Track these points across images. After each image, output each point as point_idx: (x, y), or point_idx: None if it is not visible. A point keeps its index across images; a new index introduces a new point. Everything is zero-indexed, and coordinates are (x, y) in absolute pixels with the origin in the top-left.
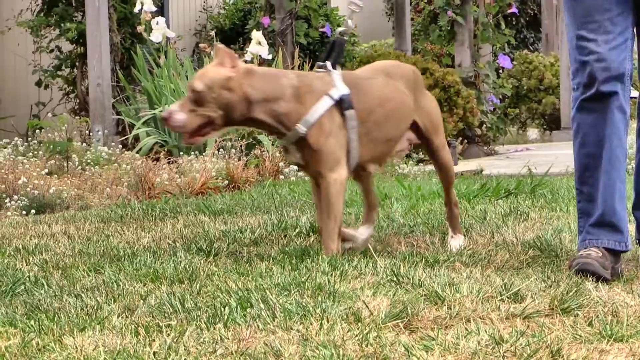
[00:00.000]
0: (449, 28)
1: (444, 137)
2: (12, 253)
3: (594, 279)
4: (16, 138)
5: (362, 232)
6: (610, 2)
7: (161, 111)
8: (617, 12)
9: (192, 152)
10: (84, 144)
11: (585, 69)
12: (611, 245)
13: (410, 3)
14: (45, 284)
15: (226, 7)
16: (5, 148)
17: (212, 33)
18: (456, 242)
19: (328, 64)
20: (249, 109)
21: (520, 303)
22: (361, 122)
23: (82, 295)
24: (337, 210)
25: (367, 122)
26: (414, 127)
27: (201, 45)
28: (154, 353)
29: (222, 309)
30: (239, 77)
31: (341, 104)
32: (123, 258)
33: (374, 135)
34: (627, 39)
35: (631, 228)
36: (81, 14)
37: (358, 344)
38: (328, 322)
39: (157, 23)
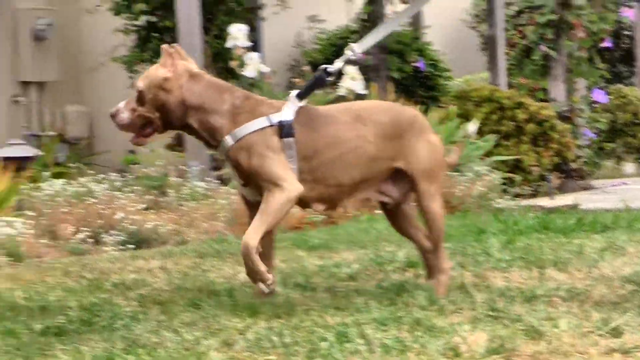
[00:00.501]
0: (542, 62)
1: (438, 187)
2: (110, 288)
3: None
4: (113, 174)
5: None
6: None
7: None
8: None
9: None
10: (180, 179)
11: None
12: None
13: (504, 38)
14: (143, 318)
15: (319, 42)
16: (101, 183)
17: (306, 68)
18: None
19: (292, 93)
20: (184, 114)
21: (618, 338)
22: (304, 159)
23: (180, 330)
24: (272, 210)
25: (313, 160)
26: (401, 173)
27: (295, 80)
28: None
29: (320, 344)
30: (177, 78)
31: (281, 130)
32: (221, 293)
33: (319, 175)
34: None
35: None
36: None
37: None
38: (426, 356)
39: (251, 58)
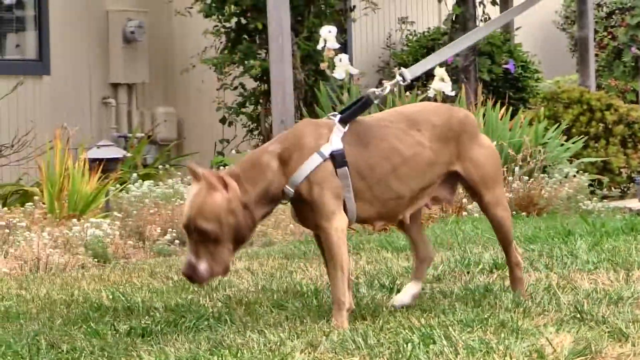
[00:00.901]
0: (633, 64)
1: (501, 191)
2: (196, 289)
3: None
4: None
5: (409, 289)
6: None
7: None
8: None
9: None
10: None
11: None
12: None
13: (595, 39)
14: (228, 319)
15: (409, 44)
16: (190, 185)
17: (395, 70)
18: None
19: (335, 117)
20: (252, 215)
21: None
22: (361, 178)
23: (265, 331)
24: (340, 259)
25: (369, 178)
26: (457, 178)
27: (384, 82)
28: None
29: (405, 345)
30: (235, 192)
31: (334, 160)
32: (306, 294)
33: (377, 192)
34: None
35: None
36: (265, 51)
37: None
38: (511, 358)
39: (341, 60)
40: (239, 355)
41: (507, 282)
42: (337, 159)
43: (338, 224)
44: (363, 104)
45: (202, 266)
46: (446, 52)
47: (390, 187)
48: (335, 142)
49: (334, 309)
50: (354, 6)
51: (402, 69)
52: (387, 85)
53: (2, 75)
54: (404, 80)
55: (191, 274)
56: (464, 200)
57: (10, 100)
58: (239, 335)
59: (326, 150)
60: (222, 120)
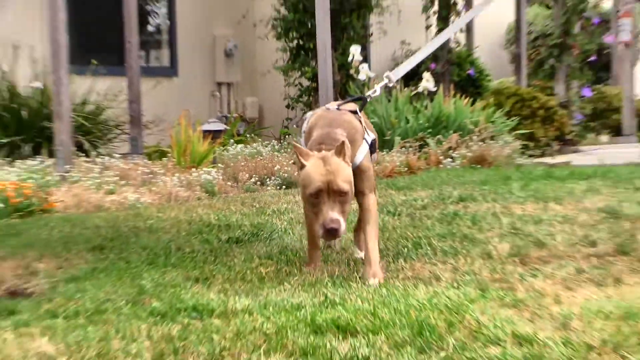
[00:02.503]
0: (550, 70)
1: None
2: (270, 213)
3: None
4: (273, 141)
5: (360, 253)
6: None
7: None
8: None
9: (384, 150)
10: None
11: None
12: None
13: (525, 54)
14: (290, 233)
15: (407, 57)
16: (266, 147)
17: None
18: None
19: (357, 110)
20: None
21: (594, 247)
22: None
23: None
24: (377, 217)
25: None
26: None
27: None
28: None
29: (403, 249)
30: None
31: (370, 147)
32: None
33: None
34: None
35: None
36: (314, 62)
37: (489, 272)
38: (470, 259)
39: (363, 68)
40: (297, 255)
41: (469, 209)
42: (372, 146)
43: (376, 197)
44: (363, 102)
45: (343, 225)
46: (416, 58)
47: None
48: (369, 133)
49: (372, 259)
50: (372, 32)
51: (388, 72)
52: (377, 87)
53: (148, 77)
54: (390, 81)
55: (338, 228)
56: (441, 157)
57: (153, 93)
58: (298, 242)
59: (368, 138)
60: (287, 106)
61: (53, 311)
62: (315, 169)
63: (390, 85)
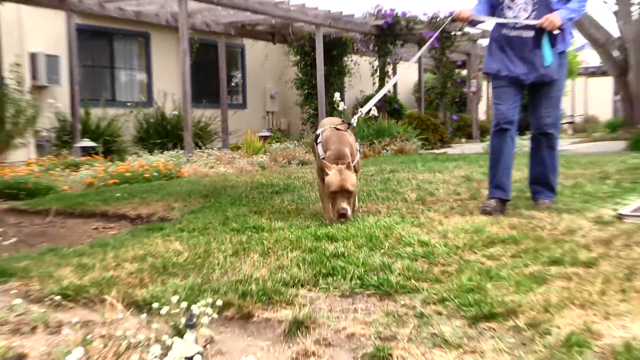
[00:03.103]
0: (436, 105)
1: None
2: (293, 178)
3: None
4: (295, 141)
5: None
6: (509, 93)
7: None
8: (513, 93)
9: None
10: None
11: (496, 117)
12: (501, 196)
13: (424, 98)
14: (304, 189)
15: (365, 99)
16: (291, 144)
17: (359, 109)
18: None
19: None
20: None
21: (459, 196)
22: None
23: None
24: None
25: None
26: None
27: (355, 115)
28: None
29: (361, 197)
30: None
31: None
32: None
33: None
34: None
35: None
36: (316, 101)
37: (406, 209)
38: (395, 202)
39: (341, 102)
40: (307, 200)
41: (395, 176)
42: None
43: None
44: (349, 125)
45: (350, 211)
46: (372, 102)
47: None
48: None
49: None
50: (346, 86)
51: (360, 108)
52: (355, 117)
53: (232, 109)
54: (361, 113)
55: (346, 213)
56: (381, 150)
57: (233, 117)
58: (308, 195)
59: (360, 149)
60: (302, 123)
61: (181, 228)
62: (334, 177)
63: (361, 116)
